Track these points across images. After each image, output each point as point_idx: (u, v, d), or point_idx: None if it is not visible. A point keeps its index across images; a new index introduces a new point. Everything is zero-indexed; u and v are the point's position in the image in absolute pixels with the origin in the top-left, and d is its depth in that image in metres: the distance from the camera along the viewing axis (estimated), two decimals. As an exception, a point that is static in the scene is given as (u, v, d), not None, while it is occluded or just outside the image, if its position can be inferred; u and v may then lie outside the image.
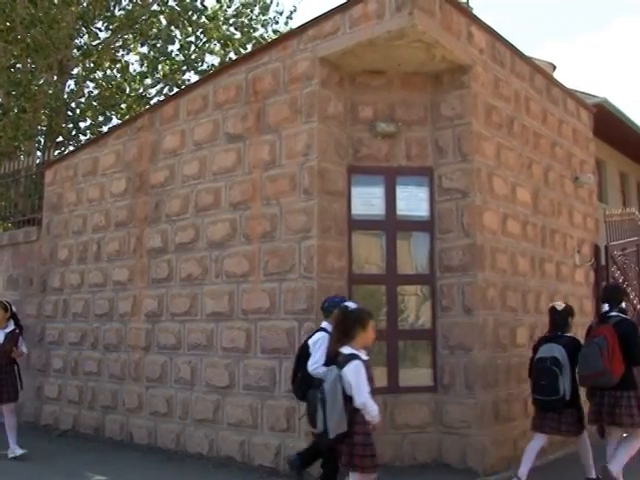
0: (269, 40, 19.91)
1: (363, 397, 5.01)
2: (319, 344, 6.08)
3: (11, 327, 8.70)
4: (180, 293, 8.92)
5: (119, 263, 9.81)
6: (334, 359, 5.26)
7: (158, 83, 20.53)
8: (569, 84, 11.86)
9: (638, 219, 12.32)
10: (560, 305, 7.41)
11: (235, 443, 8.05)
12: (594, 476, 7.04)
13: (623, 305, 7.28)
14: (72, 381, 10.34)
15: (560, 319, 7.24)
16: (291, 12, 21.70)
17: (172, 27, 19.74)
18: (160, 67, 20.19)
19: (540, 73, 9.79)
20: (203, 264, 8.68)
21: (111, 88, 19.78)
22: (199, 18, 20.02)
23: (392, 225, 8.10)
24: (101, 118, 19.82)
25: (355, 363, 5.04)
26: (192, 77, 20.40)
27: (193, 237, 8.84)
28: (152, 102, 19.14)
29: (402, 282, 8.12)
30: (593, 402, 6.86)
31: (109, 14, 19.34)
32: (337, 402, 5.01)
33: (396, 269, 8.06)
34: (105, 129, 17.90)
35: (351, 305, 5.93)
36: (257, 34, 20.79)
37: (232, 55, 20.01)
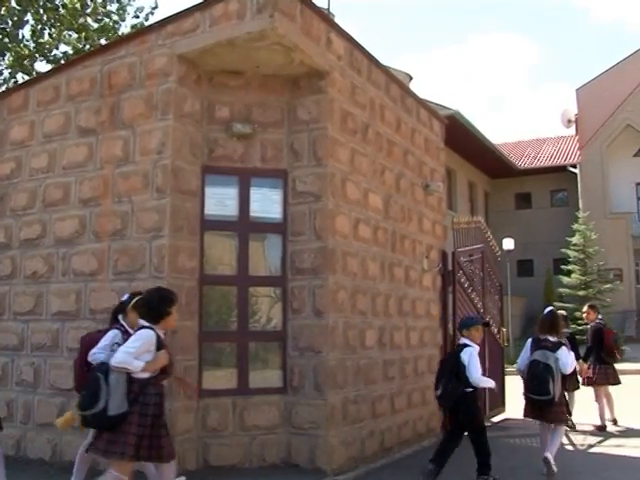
0: (123, 29, 19.41)
1: (569, 371, 7.88)
2: (468, 356, 7.20)
3: None
4: (24, 291, 8.54)
5: (-42, 258, 9.27)
6: (539, 345, 7.78)
7: (5, 69, 19.48)
8: (424, 95, 12.32)
9: (484, 227, 12.90)
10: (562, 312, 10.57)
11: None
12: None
13: None
14: None
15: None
16: (152, 8, 21.16)
17: (22, 10, 18.71)
18: (8, 53, 19.17)
19: (395, 83, 10.07)
20: (49, 261, 8.35)
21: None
22: (55, 8, 19.16)
23: (245, 226, 8.09)
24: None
25: (564, 348, 7.74)
26: (44, 66, 19.56)
27: (39, 233, 8.49)
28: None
29: (254, 283, 8.13)
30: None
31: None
32: (558, 375, 7.49)
33: (248, 270, 8.06)
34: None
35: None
36: (111, 21, 20.12)
37: (87, 46, 19.28)
